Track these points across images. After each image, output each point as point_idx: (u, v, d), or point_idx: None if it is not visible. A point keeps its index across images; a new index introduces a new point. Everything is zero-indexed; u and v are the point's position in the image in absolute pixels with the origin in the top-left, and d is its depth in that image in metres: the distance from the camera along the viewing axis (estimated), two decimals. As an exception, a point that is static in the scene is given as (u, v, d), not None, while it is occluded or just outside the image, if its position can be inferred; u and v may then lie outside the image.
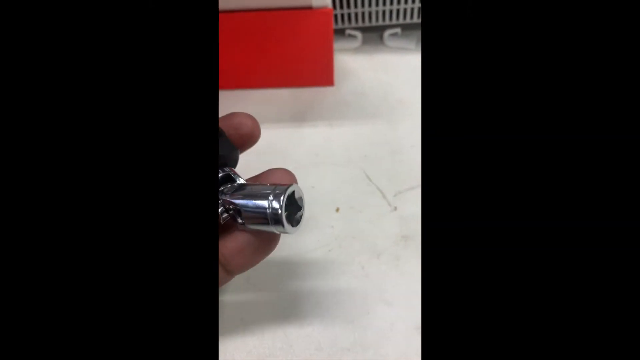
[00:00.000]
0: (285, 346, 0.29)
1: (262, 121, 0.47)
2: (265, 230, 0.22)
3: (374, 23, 0.55)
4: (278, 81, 0.50)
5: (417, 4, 0.53)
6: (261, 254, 0.24)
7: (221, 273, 0.23)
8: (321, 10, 0.44)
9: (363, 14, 0.54)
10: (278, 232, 0.22)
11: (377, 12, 0.54)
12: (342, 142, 0.43)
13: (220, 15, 0.44)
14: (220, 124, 0.25)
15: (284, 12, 0.44)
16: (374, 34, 0.59)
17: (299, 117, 0.47)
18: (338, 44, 0.56)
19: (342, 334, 0.29)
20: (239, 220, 0.22)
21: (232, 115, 0.26)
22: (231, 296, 0.32)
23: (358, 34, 0.56)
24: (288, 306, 0.31)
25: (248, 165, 0.43)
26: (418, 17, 0.54)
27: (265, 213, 0.21)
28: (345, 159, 0.41)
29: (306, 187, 0.39)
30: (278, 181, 0.24)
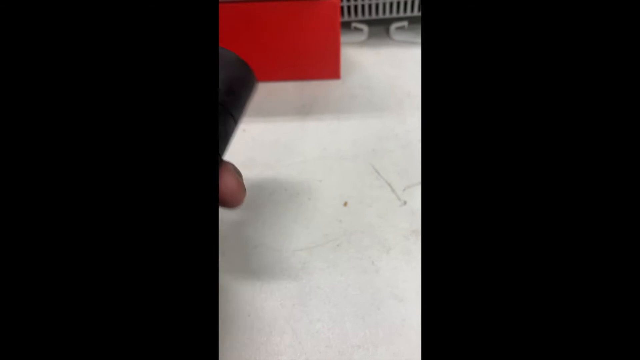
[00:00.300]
0: (294, 343, 0.28)
1: (267, 114, 0.46)
2: None
3: (380, 16, 0.54)
4: (284, 74, 0.49)
5: (425, -4, 0.52)
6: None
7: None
8: (328, 1, 0.43)
9: (370, 6, 0.53)
10: None
11: (383, 5, 0.53)
12: (349, 136, 0.42)
13: (224, 6, 0.43)
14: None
15: (290, 3, 0.43)
16: (380, 28, 0.58)
17: (305, 110, 0.46)
18: (344, 38, 0.55)
19: (352, 330, 0.28)
20: None
21: (220, 170, 0.24)
22: (237, 292, 0.31)
23: (364, 27, 0.56)
24: (296, 302, 0.30)
25: (253, 160, 0.42)
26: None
27: None
28: (352, 153, 0.41)
29: (313, 181, 0.38)
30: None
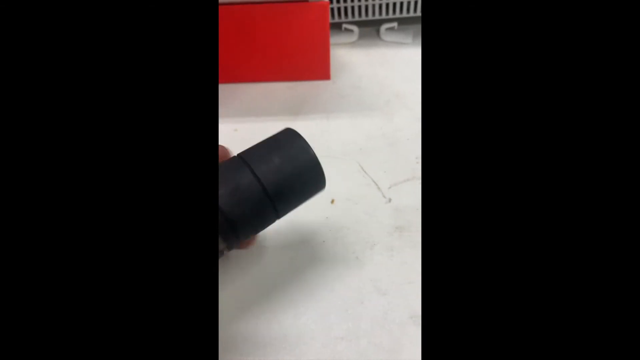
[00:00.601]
0: (280, 336, 0.29)
1: (257, 115, 0.47)
2: None
3: (370, 17, 0.55)
4: (274, 75, 0.50)
5: (414, -2, 0.53)
6: None
7: None
8: (318, 3, 0.44)
9: (360, 7, 0.54)
10: None
11: (373, 6, 0.54)
12: (338, 135, 0.43)
13: (216, 8, 0.44)
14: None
15: (280, 5, 0.44)
16: (370, 29, 0.59)
17: (295, 110, 0.47)
18: (335, 38, 0.56)
19: (336, 323, 0.29)
20: None
21: None
22: (226, 286, 0.32)
23: (355, 28, 0.57)
24: (283, 296, 0.31)
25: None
26: (415, 11, 0.54)
27: None
28: (341, 152, 0.41)
29: (302, 179, 0.39)
30: None
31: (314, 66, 0.49)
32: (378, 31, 0.58)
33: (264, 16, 0.45)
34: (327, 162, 0.42)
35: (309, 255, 0.33)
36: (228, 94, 0.49)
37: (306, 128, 0.45)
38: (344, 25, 0.56)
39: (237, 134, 0.44)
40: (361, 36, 0.58)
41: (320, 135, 0.43)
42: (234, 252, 0.34)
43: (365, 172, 0.39)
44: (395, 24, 0.56)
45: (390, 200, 0.36)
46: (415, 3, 0.53)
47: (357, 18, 0.55)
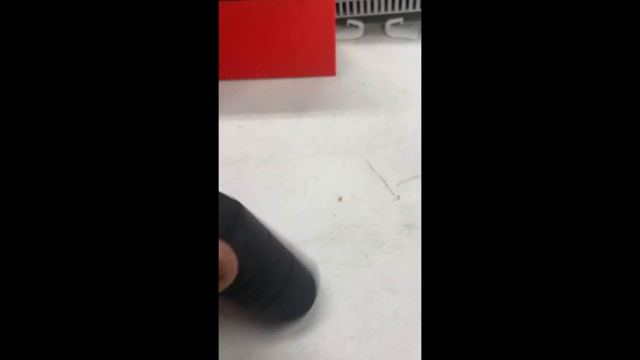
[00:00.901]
0: (289, 335, 0.28)
1: (263, 111, 0.47)
2: None
3: (375, 12, 0.54)
4: (279, 71, 0.50)
5: (420, -7, 0.52)
6: None
7: None
8: (323, -2, 0.44)
9: (365, 2, 0.53)
10: None
11: (379, 1, 0.53)
12: (344, 132, 0.43)
13: (220, 4, 0.43)
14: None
15: (285, 1, 0.43)
16: (375, 24, 0.58)
17: (300, 107, 0.46)
18: (340, 34, 0.56)
19: (346, 322, 0.29)
20: None
21: None
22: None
23: (360, 24, 0.56)
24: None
25: (249, 155, 0.42)
26: (420, 6, 0.53)
27: None
28: (347, 149, 0.41)
29: (308, 177, 0.39)
30: None
31: (319, 62, 0.49)
32: (383, 27, 0.57)
33: (269, 12, 0.44)
34: (333, 159, 0.42)
35: (317, 253, 0.33)
36: (233, 91, 0.48)
37: (311, 125, 0.44)
38: (349, 21, 0.56)
39: (242, 130, 0.44)
40: (366, 32, 0.57)
41: (326, 132, 0.43)
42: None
43: (372, 169, 0.39)
44: (400, 20, 0.56)
45: (398, 197, 0.36)
46: (421, -2, 0.53)
47: (362, 13, 0.54)
